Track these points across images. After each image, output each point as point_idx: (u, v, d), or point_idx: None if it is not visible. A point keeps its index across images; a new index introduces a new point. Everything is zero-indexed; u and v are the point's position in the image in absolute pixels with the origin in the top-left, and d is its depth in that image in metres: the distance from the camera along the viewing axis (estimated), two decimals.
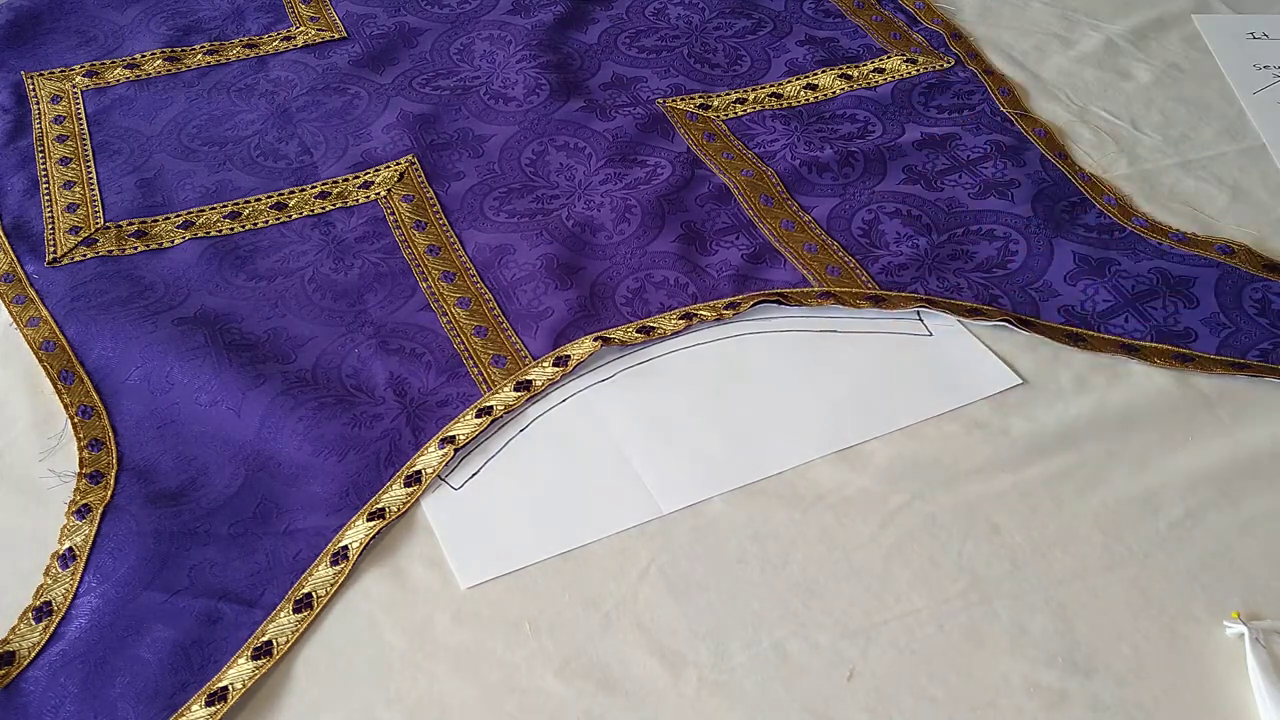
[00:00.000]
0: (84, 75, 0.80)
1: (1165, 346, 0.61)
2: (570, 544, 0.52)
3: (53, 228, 0.68)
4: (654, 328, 0.61)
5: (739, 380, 0.59)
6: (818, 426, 0.57)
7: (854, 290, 0.63)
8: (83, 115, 0.77)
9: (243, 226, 0.69)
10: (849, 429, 0.57)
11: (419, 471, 0.54)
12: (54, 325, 0.62)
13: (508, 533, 0.52)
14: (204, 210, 0.70)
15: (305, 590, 0.50)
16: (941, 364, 0.60)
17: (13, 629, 0.49)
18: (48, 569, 0.51)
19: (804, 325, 0.62)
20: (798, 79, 0.80)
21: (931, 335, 0.61)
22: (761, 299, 0.62)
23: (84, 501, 0.54)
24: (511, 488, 0.54)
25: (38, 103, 0.77)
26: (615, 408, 0.58)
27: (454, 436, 0.56)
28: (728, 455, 0.56)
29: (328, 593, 0.50)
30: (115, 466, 0.55)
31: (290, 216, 0.69)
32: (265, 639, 0.49)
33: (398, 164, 0.73)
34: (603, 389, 0.58)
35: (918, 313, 0.62)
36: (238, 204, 0.70)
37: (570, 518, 0.53)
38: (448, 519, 0.53)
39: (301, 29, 0.85)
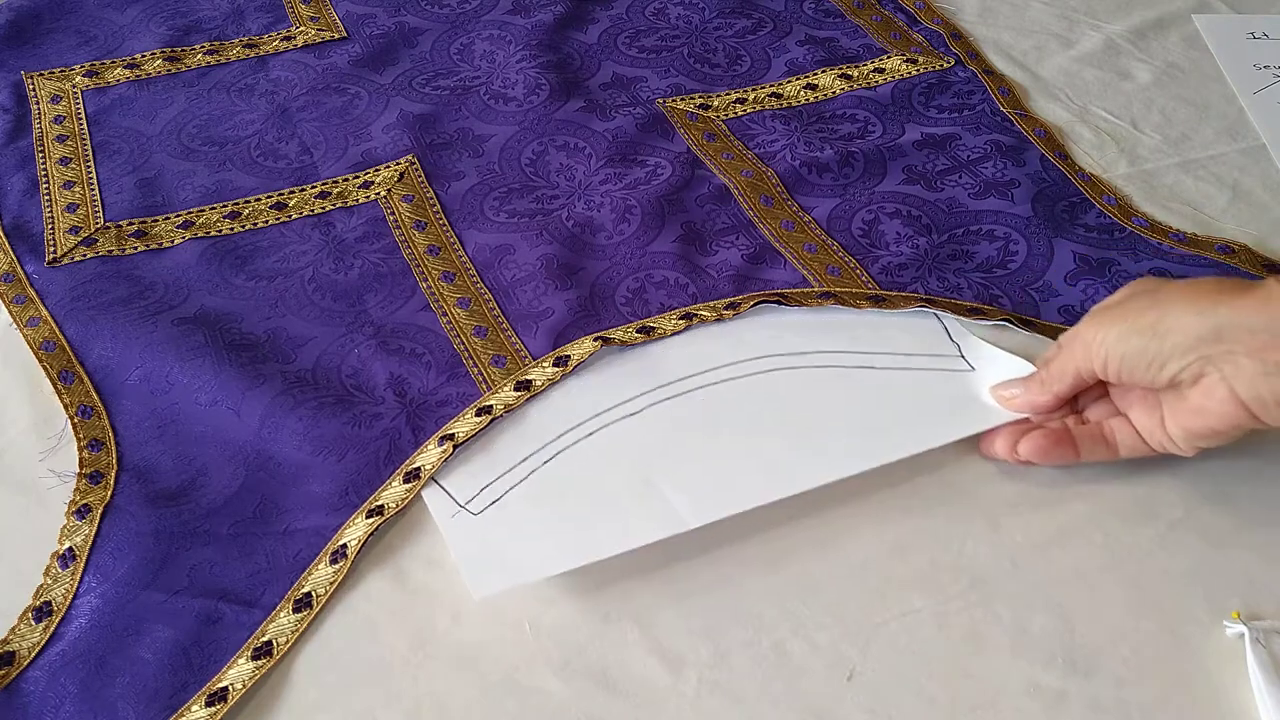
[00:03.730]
0: (84, 75, 0.80)
1: None
2: (591, 557, 0.50)
3: (52, 228, 0.68)
4: (654, 328, 0.61)
5: (771, 415, 0.57)
6: (847, 448, 0.55)
7: (854, 290, 0.63)
8: (83, 115, 0.77)
9: (243, 226, 0.69)
10: (879, 450, 0.54)
11: (418, 469, 0.54)
12: (54, 325, 0.62)
13: (525, 547, 0.51)
14: (204, 210, 0.70)
15: (305, 590, 0.50)
16: (980, 394, 0.57)
17: (12, 629, 0.49)
18: (48, 569, 0.51)
19: (841, 361, 0.59)
20: (798, 79, 0.80)
21: (974, 370, 0.59)
22: (761, 299, 0.62)
23: (84, 501, 0.54)
24: (534, 509, 0.53)
25: (38, 103, 0.78)
26: (644, 440, 0.56)
27: (453, 434, 0.56)
28: (753, 474, 0.53)
29: (327, 591, 0.50)
30: (115, 466, 0.55)
31: (290, 216, 0.69)
32: (265, 639, 0.49)
33: (398, 164, 0.73)
34: (631, 423, 0.57)
35: (958, 348, 0.60)
36: (238, 204, 0.70)
37: (592, 532, 0.51)
38: (464, 537, 0.51)
39: (301, 29, 0.85)
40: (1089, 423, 0.55)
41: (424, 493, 0.53)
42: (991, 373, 0.58)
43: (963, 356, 0.59)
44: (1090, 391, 0.55)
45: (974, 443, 0.56)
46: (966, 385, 0.58)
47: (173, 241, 0.68)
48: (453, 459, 0.55)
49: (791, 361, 0.60)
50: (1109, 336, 0.51)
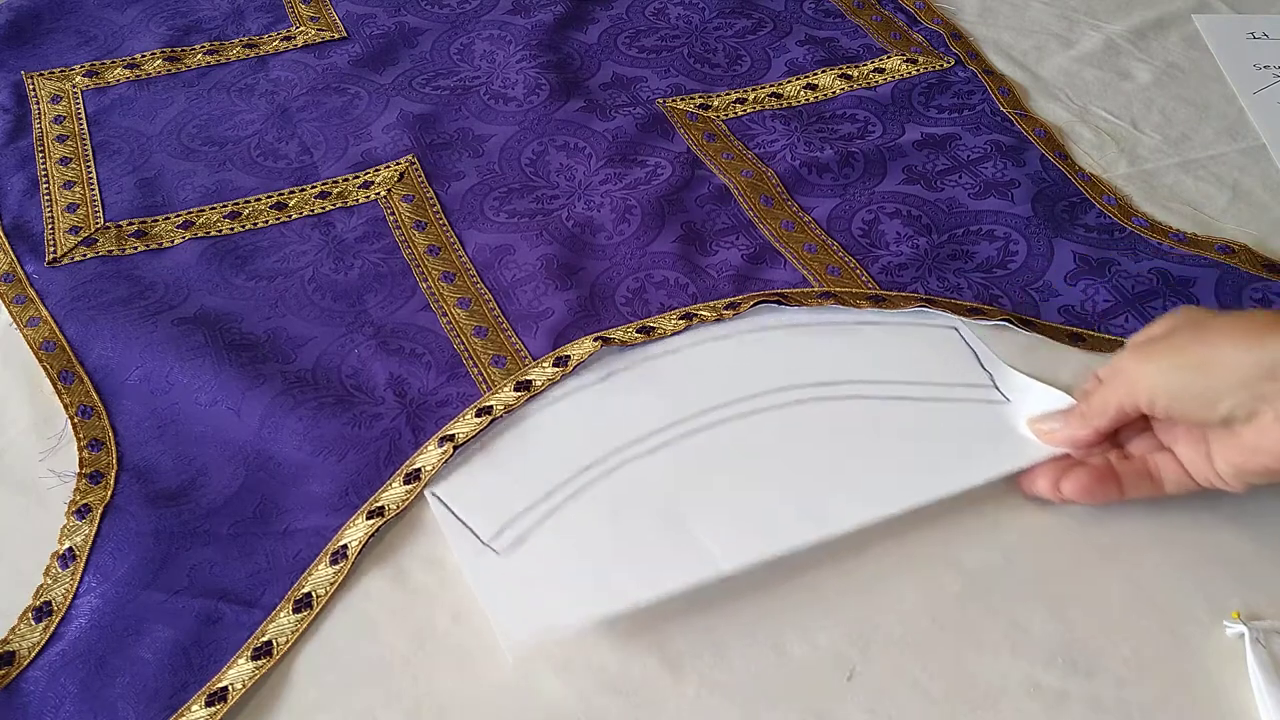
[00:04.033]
0: (84, 75, 0.80)
1: None
2: (626, 605, 0.48)
3: (53, 228, 0.68)
4: (654, 328, 0.61)
5: (805, 450, 0.55)
6: (884, 488, 0.53)
7: (854, 290, 0.64)
8: (83, 115, 0.77)
9: (243, 226, 0.69)
10: (917, 490, 0.53)
11: (418, 470, 0.54)
12: (54, 325, 0.62)
13: (555, 593, 0.49)
14: (204, 210, 0.70)
15: (305, 590, 0.50)
16: (1017, 427, 0.56)
17: (13, 629, 0.49)
18: (48, 569, 0.51)
19: (872, 392, 0.57)
20: (798, 79, 0.80)
21: (1009, 401, 0.57)
22: (761, 299, 0.62)
23: (84, 501, 0.54)
24: (561, 550, 0.51)
25: (38, 102, 0.78)
26: (675, 476, 0.54)
27: (453, 435, 0.56)
28: (788, 515, 0.52)
29: (327, 592, 0.50)
30: (115, 466, 0.55)
31: (290, 216, 0.69)
32: (265, 639, 0.49)
33: (398, 164, 0.73)
34: (659, 457, 0.55)
35: (991, 378, 0.58)
36: (238, 204, 0.70)
37: (625, 578, 0.49)
38: (490, 580, 0.49)
39: (301, 29, 0.85)
40: (1132, 458, 0.53)
41: (445, 529, 0.52)
42: (1027, 404, 0.56)
43: (996, 387, 0.58)
44: (1132, 425, 0.53)
45: None
46: (1002, 419, 0.56)
47: (173, 241, 0.68)
48: (466, 479, 0.54)
49: (822, 392, 0.58)
50: (1153, 371, 0.49)
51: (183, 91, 0.79)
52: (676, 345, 0.60)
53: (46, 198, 0.70)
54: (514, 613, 0.48)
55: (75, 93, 0.79)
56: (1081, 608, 0.50)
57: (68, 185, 0.71)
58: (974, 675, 0.47)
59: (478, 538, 0.51)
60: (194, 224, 0.69)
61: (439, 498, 0.53)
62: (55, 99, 0.78)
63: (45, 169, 0.72)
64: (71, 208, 0.70)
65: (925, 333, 0.61)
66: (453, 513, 0.53)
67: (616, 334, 0.61)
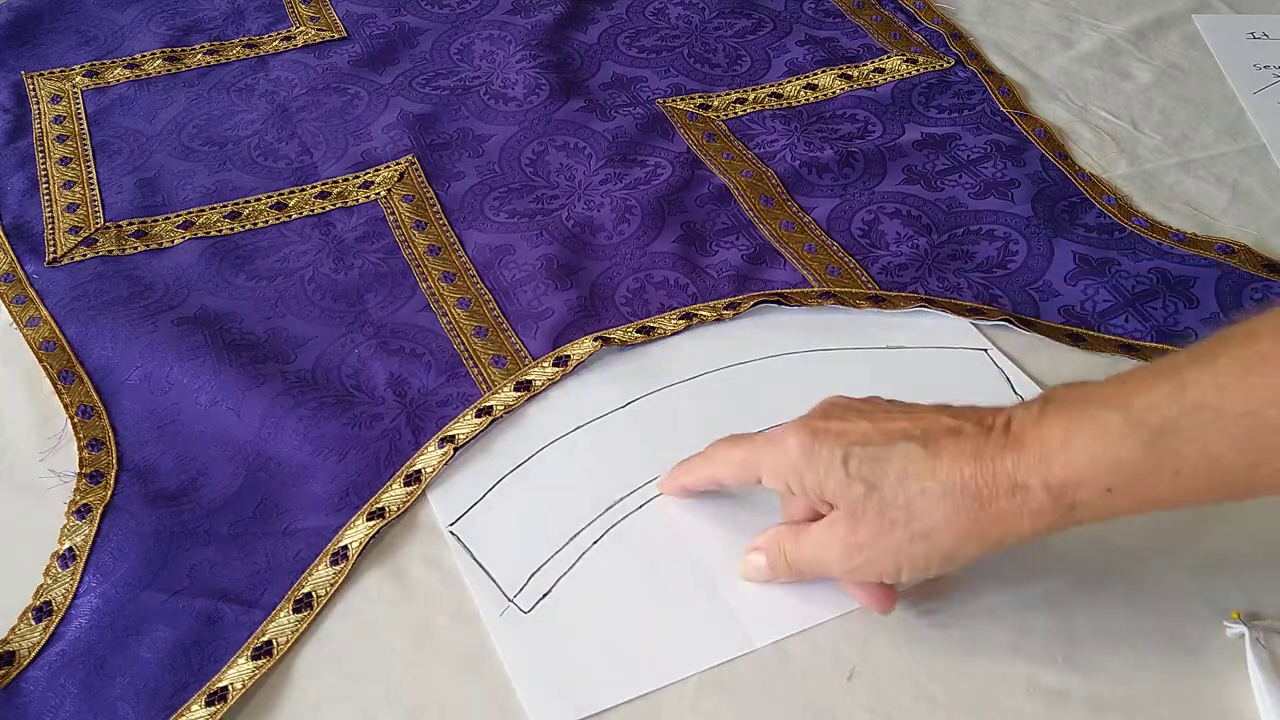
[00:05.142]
0: (84, 75, 0.80)
1: (1165, 346, 0.61)
2: (656, 683, 0.47)
3: (53, 228, 0.68)
4: (654, 328, 0.61)
5: None
6: None
7: (854, 290, 0.64)
8: (83, 115, 0.77)
9: (243, 226, 0.69)
10: None
11: (419, 471, 0.54)
12: (54, 325, 0.62)
13: (585, 668, 0.47)
14: (204, 210, 0.70)
15: (305, 590, 0.50)
16: None
17: (12, 629, 0.49)
18: (48, 569, 0.51)
19: None
20: (798, 79, 0.80)
21: None
22: (761, 299, 0.62)
23: (84, 501, 0.54)
24: (587, 611, 0.49)
25: (38, 103, 0.78)
26: (699, 522, 0.52)
27: (454, 436, 0.56)
28: (824, 590, 0.49)
29: (327, 593, 0.50)
30: (115, 466, 0.55)
31: (290, 216, 0.69)
32: (265, 639, 0.49)
33: (398, 164, 0.73)
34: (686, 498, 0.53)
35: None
36: (238, 204, 0.70)
37: (653, 651, 0.48)
38: (519, 649, 0.48)
39: (301, 29, 0.85)
40: None
41: (470, 583, 0.50)
42: None
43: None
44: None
45: None
46: None
47: (173, 241, 0.68)
48: (484, 516, 0.53)
49: None
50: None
51: (183, 91, 0.79)
52: (691, 371, 0.59)
53: (46, 198, 0.70)
54: (547, 692, 0.46)
55: (75, 93, 0.79)
56: (1081, 608, 0.50)
57: (68, 185, 0.71)
58: (974, 675, 0.47)
59: (501, 591, 0.50)
60: (194, 224, 0.69)
61: (459, 539, 0.52)
62: (55, 99, 0.78)
63: (45, 169, 0.72)
64: (71, 208, 0.70)
65: (955, 356, 0.60)
66: (475, 559, 0.51)
67: (616, 334, 0.61)
